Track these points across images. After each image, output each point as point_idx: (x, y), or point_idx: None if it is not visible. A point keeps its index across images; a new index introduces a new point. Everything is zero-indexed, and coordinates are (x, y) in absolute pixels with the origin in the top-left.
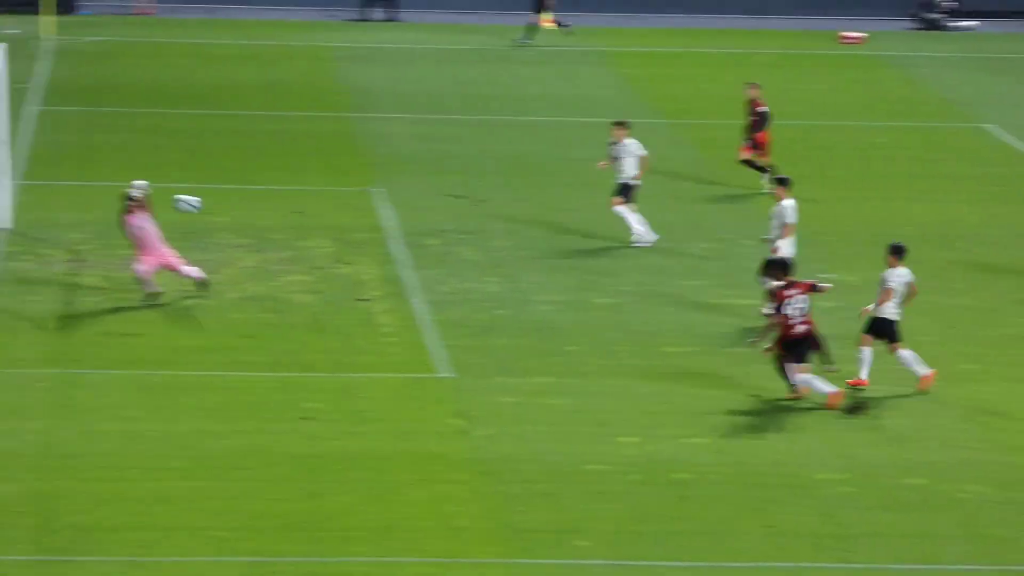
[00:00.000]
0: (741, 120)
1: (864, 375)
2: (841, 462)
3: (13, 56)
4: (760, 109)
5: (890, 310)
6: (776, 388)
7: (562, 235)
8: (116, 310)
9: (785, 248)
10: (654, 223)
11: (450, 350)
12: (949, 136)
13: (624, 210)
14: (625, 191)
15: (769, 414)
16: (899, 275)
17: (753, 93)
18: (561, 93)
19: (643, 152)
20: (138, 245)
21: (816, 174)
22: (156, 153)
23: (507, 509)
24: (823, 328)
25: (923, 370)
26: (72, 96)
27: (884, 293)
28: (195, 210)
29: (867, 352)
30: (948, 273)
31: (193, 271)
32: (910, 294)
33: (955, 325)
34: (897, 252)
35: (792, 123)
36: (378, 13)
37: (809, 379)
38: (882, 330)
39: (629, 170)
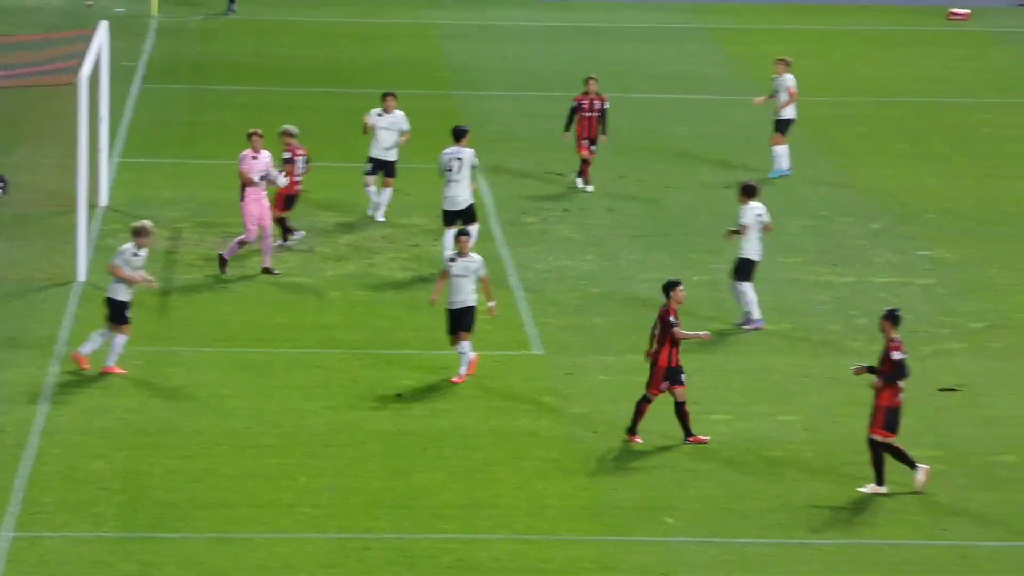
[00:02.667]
0: (848, 97)
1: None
2: (933, 439)
3: (118, 34)
4: (606, 105)
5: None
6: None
7: (661, 213)
8: (212, 288)
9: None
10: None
11: (545, 328)
12: None
13: (372, 191)
14: (389, 168)
15: (861, 392)
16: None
17: (594, 87)
18: (665, 70)
19: (406, 127)
20: None
21: (922, 152)
22: None
23: (597, 487)
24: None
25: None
26: (175, 74)
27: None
28: None
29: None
30: None
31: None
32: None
33: None
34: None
35: (899, 100)
36: None
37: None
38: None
39: (385, 143)
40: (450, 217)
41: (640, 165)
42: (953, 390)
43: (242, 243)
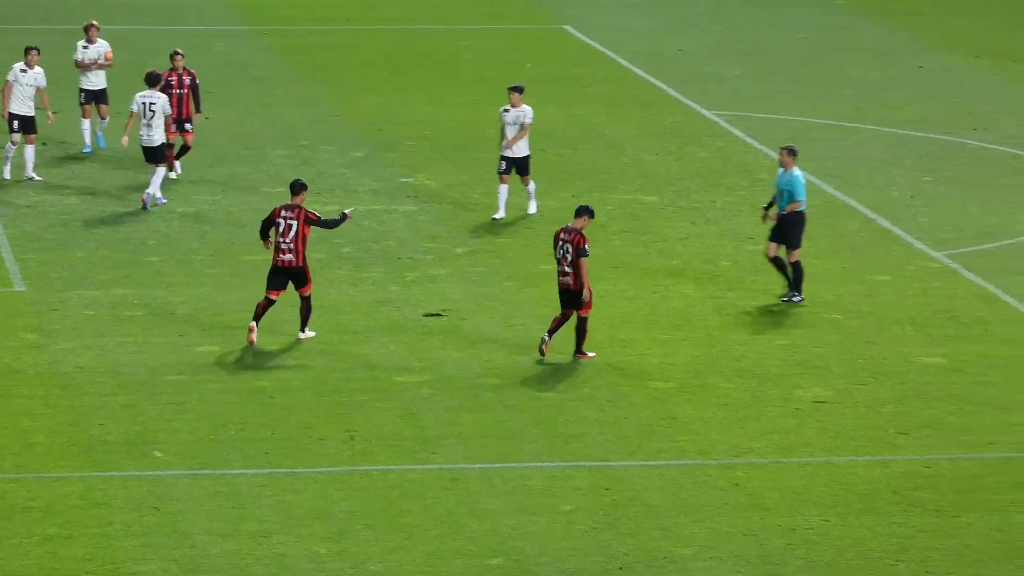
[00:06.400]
0: (329, 26)
1: None
2: (420, 364)
3: None
4: (197, 81)
5: None
6: (356, 293)
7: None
8: None
9: None
10: (241, 131)
11: (25, 263)
12: (532, 38)
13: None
14: (28, 125)
15: (347, 318)
16: None
17: (180, 62)
18: (144, 1)
19: (43, 83)
20: None
21: (402, 79)
22: None
23: (84, 422)
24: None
25: None
26: None
27: None
28: None
29: None
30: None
31: None
32: None
33: (533, 226)
34: None
35: (378, 28)
36: None
37: None
38: None
39: (20, 104)
40: None
41: (122, 99)
42: (438, 315)
43: None
